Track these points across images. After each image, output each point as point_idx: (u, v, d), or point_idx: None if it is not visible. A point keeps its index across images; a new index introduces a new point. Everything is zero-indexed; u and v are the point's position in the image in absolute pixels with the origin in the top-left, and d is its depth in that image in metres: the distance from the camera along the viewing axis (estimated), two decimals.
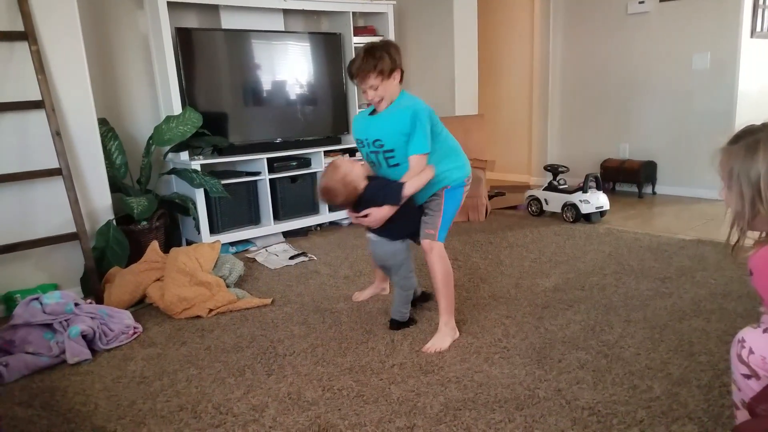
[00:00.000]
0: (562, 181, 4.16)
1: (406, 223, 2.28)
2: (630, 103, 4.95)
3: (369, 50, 2.17)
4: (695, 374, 1.89)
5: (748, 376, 1.27)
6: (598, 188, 4.02)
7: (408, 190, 2.16)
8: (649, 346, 2.11)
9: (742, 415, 1.33)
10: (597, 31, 5.05)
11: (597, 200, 3.93)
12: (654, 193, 4.89)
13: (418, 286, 2.51)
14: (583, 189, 3.96)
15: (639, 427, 1.61)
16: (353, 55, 4.20)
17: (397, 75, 2.20)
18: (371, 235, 2.34)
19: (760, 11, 4.39)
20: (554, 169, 4.17)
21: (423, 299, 2.64)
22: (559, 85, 5.42)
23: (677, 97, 4.66)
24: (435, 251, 2.25)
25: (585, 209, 3.90)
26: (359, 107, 4.41)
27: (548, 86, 5.47)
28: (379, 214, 2.17)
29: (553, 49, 5.39)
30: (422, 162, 2.18)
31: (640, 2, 4.72)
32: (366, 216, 2.19)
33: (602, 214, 4.00)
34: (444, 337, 2.22)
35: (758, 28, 4.40)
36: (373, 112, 2.30)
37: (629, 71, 4.90)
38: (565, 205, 4.01)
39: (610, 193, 4.84)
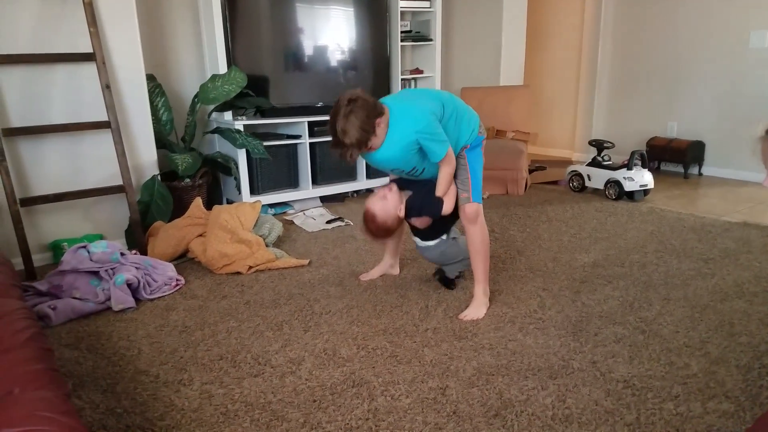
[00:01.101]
0: (606, 157, 4.06)
1: (442, 223, 2.28)
2: (680, 80, 4.77)
3: (335, 132, 1.97)
4: (734, 354, 1.86)
5: None
6: (644, 166, 3.91)
7: (448, 205, 2.19)
8: (688, 324, 2.08)
9: None
10: (650, 6, 4.85)
11: (641, 178, 3.83)
12: (700, 174, 4.74)
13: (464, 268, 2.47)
14: (628, 166, 3.86)
15: (674, 402, 1.60)
16: (398, 19, 4.13)
17: (379, 124, 1.99)
18: (417, 239, 2.38)
19: None
20: (599, 145, 4.08)
21: (450, 284, 2.49)
22: (608, 57, 5.25)
23: (731, 76, 4.46)
24: (478, 222, 2.23)
25: (629, 187, 3.81)
26: (402, 73, 4.37)
27: (597, 59, 5.30)
28: (423, 223, 2.27)
29: (604, 20, 5.21)
30: (448, 160, 2.11)
31: None
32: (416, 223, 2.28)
33: (646, 192, 3.91)
34: (480, 306, 2.23)
35: None
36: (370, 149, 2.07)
37: (682, 46, 4.71)
38: (608, 182, 3.93)
39: (655, 172, 4.72)
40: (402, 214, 2.20)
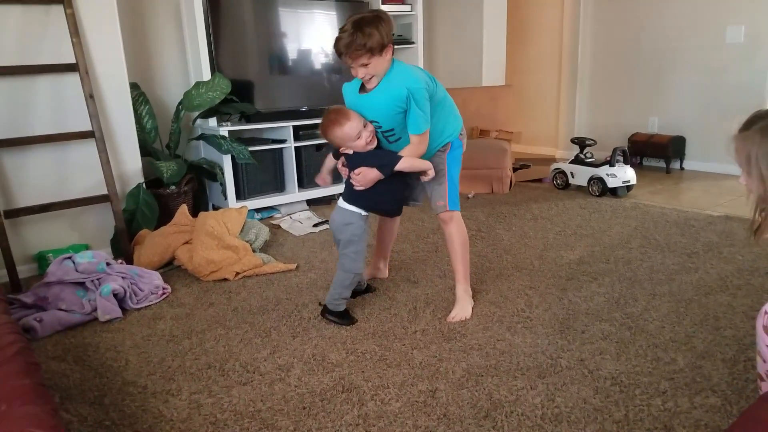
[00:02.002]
0: (588, 155, 4.10)
1: (383, 198, 2.16)
2: (660, 76, 4.83)
3: (357, 25, 1.93)
4: (720, 348, 1.89)
5: None
6: (626, 162, 3.95)
7: (403, 164, 2.05)
8: (673, 319, 2.11)
9: (766, 387, 1.33)
10: (629, 2, 4.90)
11: (624, 174, 3.87)
12: (682, 168, 4.81)
13: (364, 276, 2.39)
14: (611, 163, 3.90)
15: (662, 398, 1.62)
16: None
17: (388, 51, 1.99)
18: (339, 201, 2.19)
19: None
20: (581, 142, 4.11)
21: (367, 291, 2.45)
22: (588, 56, 5.30)
23: (709, 71, 4.53)
24: (453, 221, 2.25)
25: (612, 183, 3.85)
26: None
27: (577, 56, 5.35)
28: (369, 175, 2.06)
29: (583, 18, 5.26)
30: (423, 140, 2.08)
31: None
32: (358, 174, 2.07)
33: (629, 188, 3.95)
34: (465, 305, 2.24)
35: None
36: (363, 88, 2.09)
37: (660, 43, 4.77)
38: (591, 179, 3.96)
39: (638, 167, 4.77)
40: (356, 144, 2.05)
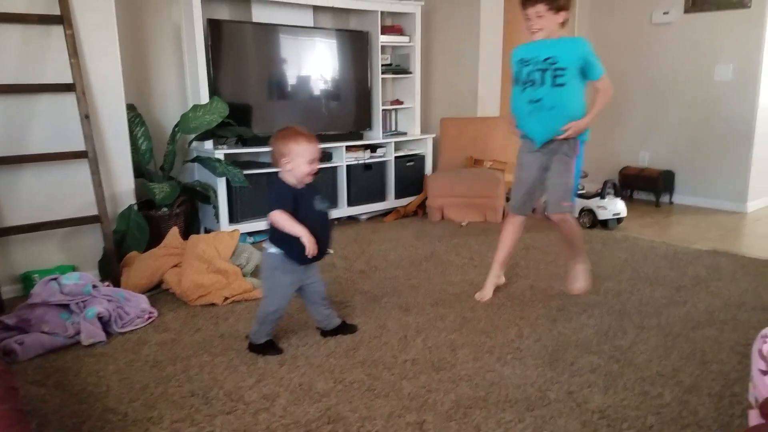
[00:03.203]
0: (580, 187, 4.14)
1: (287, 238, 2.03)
2: (651, 112, 4.91)
3: None
4: (706, 383, 1.89)
5: (765, 372, 1.27)
6: (616, 195, 4.00)
7: (590, 118, 2.42)
8: (661, 353, 2.11)
9: (754, 415, 1.32)
10: (621, 38, 5.02)
11: (614, 207, 3.91)
12: (671, 202, 4.86)
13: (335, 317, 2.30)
14: (601, 195, 3.94)
15: None
16: (379, 52, 4.25)
17: (560, 17, 2.36)
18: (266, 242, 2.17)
19: None
20: None
21: (339, 330, 2.30)
22: None
23: (698, 107, 4.62)
24: (568, 220, 2.55)
25: (602, 215, 3.88)
26: (383, 104, 4.44)
27: None
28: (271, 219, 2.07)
29: None
30: (608, 84, 2.47)
31: (664, 13, 4.69)
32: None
33: (619, 220, 3.98)
34: (583, 275, 2.68)
35: None
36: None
37: (652, 79, 4.87)
38: (582, 211, 4.00)
39: (628, 200, 4.81)
40: (283, 167, 2.05)
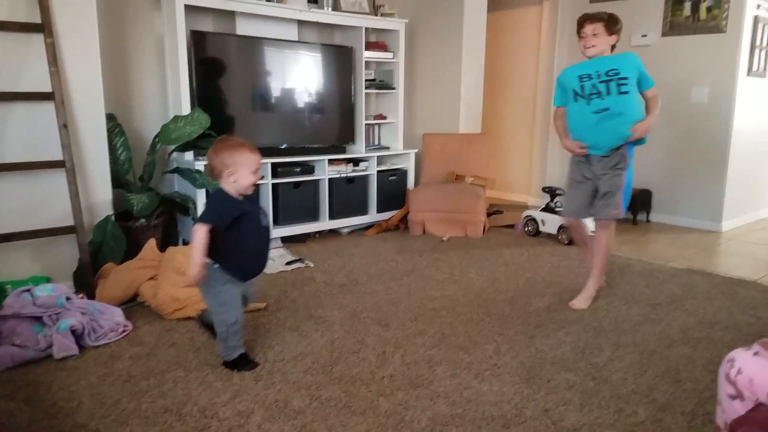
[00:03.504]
0: (558, 204, 4.19)
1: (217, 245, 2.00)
2: None
3: (603, 12, 2.72)
4: (680, 401, 1.91)
5: (733, 397, 1.29)
6: None
7: (653, 120, 2.64)
8: (636, 370, 2.13)
9: None
10: None
11: (592, 225, 3.94)
12: (648, 220, 4.93)
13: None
14: None
15: None
16: (363, 68, 4.30)
17: (613, 39, 2.70)
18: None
19: (757, 51, 4.49)
20: (552, 191, 4.21)
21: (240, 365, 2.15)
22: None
23: (675, 128, 4.71)
24: (612, 226, 2.78)
25: None
26: (366, 118, 4.46)
27: (550, 110, 5.51)
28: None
29: (557, 72, 5.44)
30: (657, 94, 2.72)
31: (643, 35, 4.79)
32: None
33: None
34: (588, 298, 2.81)
35: (755, 68, 4.51)
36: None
37: None
38: (561, 228, 4.04)
39: None
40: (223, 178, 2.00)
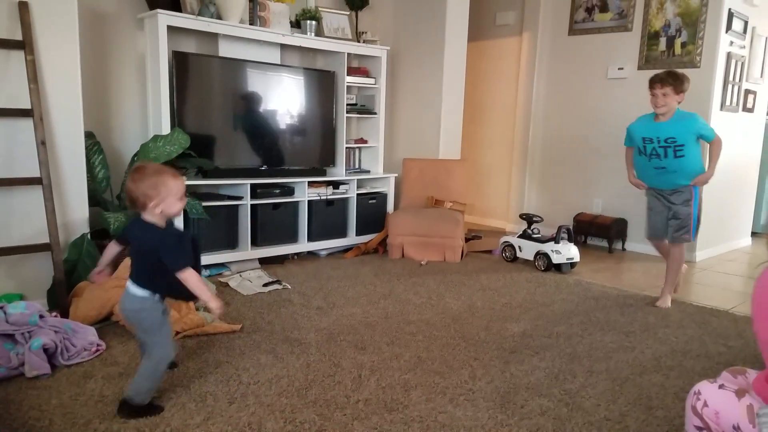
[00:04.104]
0: (536, 230, 4.26)
1: (165, 276, 1.86)
2: (605, 161, 5.11)
3: (673, 73, 3.09)
4: (651, 428, 1.94)
5: (700, 428, 1.32)
6: (570, 240, 4.12)
7: (712, 172, 3.13)
8: (609, 397, 2.16)
9: None
10: (578, 89, 5.26)
11: (568, 251, 4.02)
12: (624, 249, 5.02)
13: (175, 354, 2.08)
14: (556, 240, 4.05)
15: None
16: (345, 92, 4.36)
17: (682, 96, 3.07)
18: (128, 283, 1.94)
19: (729, 86, 4.64)
20: (529, 218, 4.27)
21: (170, 367, 2.16)
22: (539, 137, 5.59)
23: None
24: (682, 246, 3.26)
25: (556, 259, 3.99)
26: (347, 142, 4.51)
27: (528, 138, 5.63)
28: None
29: (535, 102, 5.58)
30: (719, 140, 3.13)
31: (619, 68, 4.95)
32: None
33: (573, 265, 4.09)
34: (668, 299, 3.35)
35: (727, 102, 4.65)
36: (659, 118, 3.13)
37: (606, 130, 5.08)
38: (537, 254, 4.09)
39: (582, 245, 4.95)
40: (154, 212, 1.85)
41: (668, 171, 3.13)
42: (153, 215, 1.87)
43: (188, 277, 1.85)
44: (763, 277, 1.29)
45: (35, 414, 1.90)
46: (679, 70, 3.16)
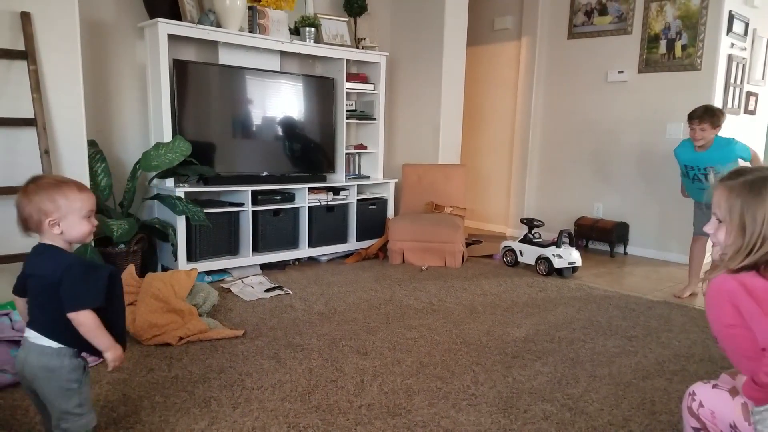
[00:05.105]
0: (537, 235, 4.26)
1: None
2: (605, 165, 5.13)
3: (710, 109, 3.38)
4: None
5: (697, 429, 1.32)
6: (571, 244, 4.12)
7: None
8: (612, 402, 2.16)
9: None
10: (577, 93, 5.27)
11: (569, 256, 4.02)
12: (625, 253, 5.02)
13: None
14: (557, 244, 4.06)
15: None
16: (344, 98, 4.38)
17: (716, 131, 3.38)
18: (28, 332, 1.53)
19: (731, 89, 4.65)
20: (530, 223, 4.28)
21: None
22: (538, 141, 5.60)
23: (651, 163, 4.84)
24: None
25: (557, 264, 3.99)
26: (346, 148, 4.52)
27: (528, 142, 5.65)
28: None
29: (534, 107, 5.60)
30: (756, 154, 3.44)
31: (619, 72, 4.96)
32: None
33: (574, 269, 4.10)
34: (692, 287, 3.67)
35: (729, 105, 4.66)
36: (698, 148, 3.44)
37: (606, 134, 5.10)
38: (538, 258, 4.10)
39: (583, 249, 4.96)
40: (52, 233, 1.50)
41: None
42: (54, 238, 1.50)
43: (84, 320, 1.44)
44: (709, 291, 1.30)
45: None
46: (716, 106, 3.48)
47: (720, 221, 1.32)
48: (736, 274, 1.25)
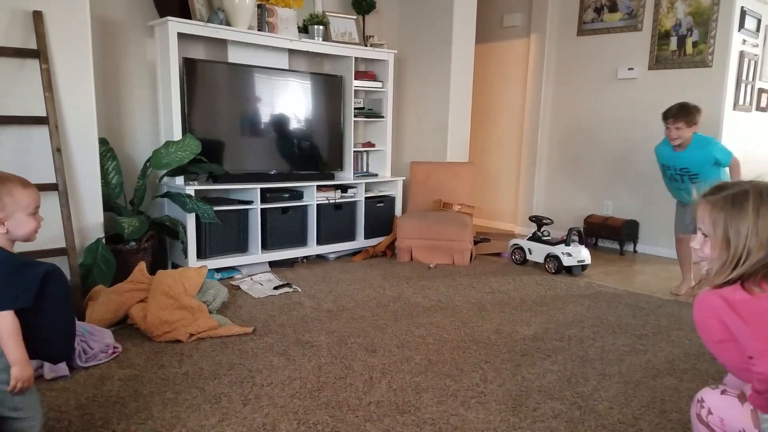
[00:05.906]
0: (546, 233, 4.25)
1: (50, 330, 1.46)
2: (615, 162, 5.11)
3: (684, 106, 3.31)
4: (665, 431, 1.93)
5: None
6: (581, 242, 4.11)
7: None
8: (622, 400, 2.16)
9: None
10: (587, 91, 5.24)
11: (579, 254, 4.01)
12: (635, 251, 5.00)
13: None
14: (566, 242, 4.05)
15: None
16: (352, 96, 4.38)
17: (695, 127, 3.31)
18: None
19: (743, 86, 4.61)
20: (539, 221, 4.27)
21: None
22: (547, 139, 5.58)
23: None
24: None
25: (567, 262, 3.98)
26: (354, 146, 4.53)
27: (537, 140, 5.63)
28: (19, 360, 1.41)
29: (543, 104, 5.57)
30: (736, 162, 3.31)
31: (629, 69, 4.93)
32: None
33: (584, 267, 4.08)
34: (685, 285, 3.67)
35: (740, 102, 4.62)
36: (676, 148, 3.39)
37: (616, 131, 5.07)
38: (547, 256, 4.09)
39: (593, 248, 4.94)
40: None
41: (687, 192, 3.31)
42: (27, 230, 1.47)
43: (2, 323, 1.36)
44: (695, 310, 1.31)
45: (55, 415, 1.92)
46: (692, 104, 3.34)
47: (705, 236, 1.34)
48: (719, 289, 1.27)
